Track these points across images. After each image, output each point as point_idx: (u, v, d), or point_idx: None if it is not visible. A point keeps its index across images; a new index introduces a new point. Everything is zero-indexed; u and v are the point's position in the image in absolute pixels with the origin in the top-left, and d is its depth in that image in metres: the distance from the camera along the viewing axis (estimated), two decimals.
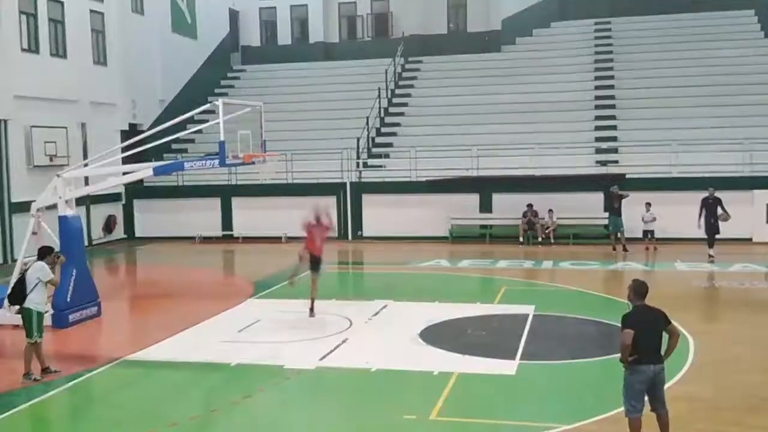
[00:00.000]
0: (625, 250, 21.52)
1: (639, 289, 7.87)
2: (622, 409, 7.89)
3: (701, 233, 20.20)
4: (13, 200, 21.91)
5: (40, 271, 10.98)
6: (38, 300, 10.95)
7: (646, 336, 7.61)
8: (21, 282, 11.13)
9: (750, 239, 22.60)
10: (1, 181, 21.94)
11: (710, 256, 19.76)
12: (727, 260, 19.56)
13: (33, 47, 23.19)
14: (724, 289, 16.84)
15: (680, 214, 21.74)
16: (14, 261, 17.46)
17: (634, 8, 33.56)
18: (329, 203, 15.10)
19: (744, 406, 9.23)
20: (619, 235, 21.83)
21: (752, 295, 16.19)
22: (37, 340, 10.88)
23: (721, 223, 19.97)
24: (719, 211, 19.93)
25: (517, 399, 9.90)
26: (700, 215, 20.02)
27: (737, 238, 21.76)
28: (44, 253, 11.34)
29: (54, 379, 10.84)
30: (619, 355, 7.78)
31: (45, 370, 10.98)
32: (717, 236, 20.06)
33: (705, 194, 20.21)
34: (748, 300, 15.73)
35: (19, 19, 22.55)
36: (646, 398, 7.74)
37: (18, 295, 11.07)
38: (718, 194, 20.15)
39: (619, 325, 7.79)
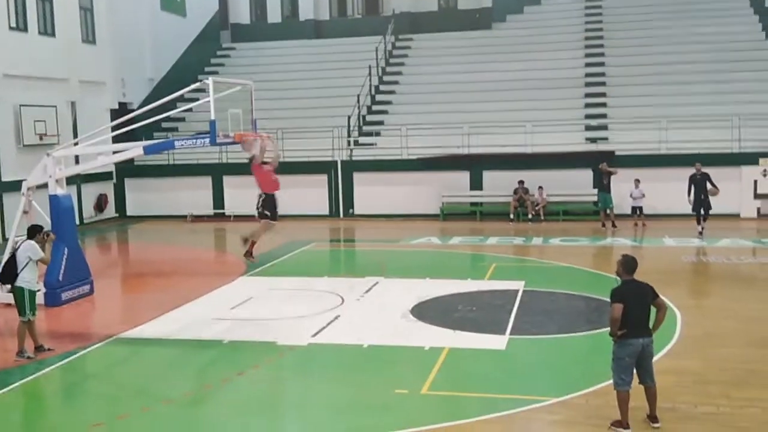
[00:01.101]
0: (614, 226, 21.67)
1: (628, 264, 7.97)
2: (610, 382, 8.02)
3: (689, 209, 20.31)
4: (3, 179, 21.85)
5: (30, 250, 11.01)
6: (29, 278, 10.99)
7: (634, 310, 7.73)
8: (12, 261, 11.15)
9: (738, 215, 22.79)
10: None
11: (700, 232, 19.86)
12: (715, 236, 19.73)
13: (21, 25, 23.00)
14: (711, 264, 17.01)
15: (669, 191, 21.90)
16: (5, 240, 17.43)
17: None
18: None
19: (731, 379, 9.37)
20: (608, 211, 21.98)
21: (740, 270, 16.37)
22: (30, 318, 10.93)
23: (711, 198, 20.06)
24: (708, 186, 20.04)
25: (507, 373, 10.02)
26: (689, 192, 20.14)
27: (725, 214, 21.94)
28: (34, 231, 11.36)
29: (47, 357, 10.90)
30: (608, 329, 7.90)
31: (38, 348, 11.05)
32: (710, 211, 20.14)
33: (692, 171, 20.32)
34: (736, 275, 15.92)
35: None
36: (634, 371, 7.87)
37: (9, 274, 11.10)
38: (706, 170, 20.25)
39: (608, 299, 7.91)
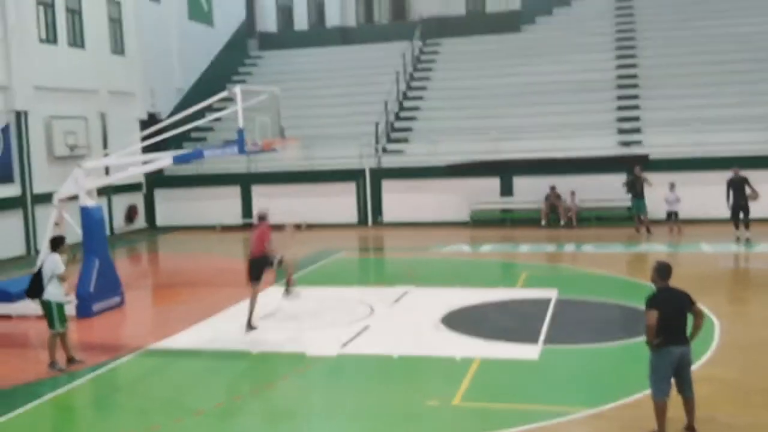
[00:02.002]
0: (648, 231, 21.28)
1: (663, 271, 7.77)
2: (644, 393, 7.83)
3: (726, 214, 19.85)
4: (35, 191, 22.08)
5: (53, 264, 11.03)
6: (55, 292, 11.01)
7: (670, 317, 7.53)
8: (38, 274, 11.20)
9: None
10: (23, 173, 22.11)
11: (739, 238, 19.30)
12: (754, 241, 19.27)
13: (51, 38, 23.31)
14: (750, 270, 16.61)
15: (705, 195, 21.45)
16: (37, 252, 17.60)
17: None
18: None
19: None
20: (642, 216, 21.60)
21: None
22: (60, 330, 10.97)
23: (750, 203, 19.54)
24: (747, 190, 19.53)
25: (540, 383, 9.82)
26: (728, 197, 19.63)
27: (763, 218, 21.40)
28: (57, 243, 11.36)
29: (78, 369, 10.93)
30: (644, 337, 7.70)
31: (70, 360, 11.08)
32: (750, 216, 19.62)
33: (730, 174, 19.84)
34: None
35: (36, 10, 22.68)
36: (672, 381, 7.64)
37: (36, 288, 11.14)
38: (743, 173, 19.78)
39: (643, 308, 7.70)
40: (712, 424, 7.95)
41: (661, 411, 7.62)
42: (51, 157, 22.74)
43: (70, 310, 13.18)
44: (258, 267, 12.58)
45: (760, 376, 9.57)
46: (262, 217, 12.93)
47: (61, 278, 11.12)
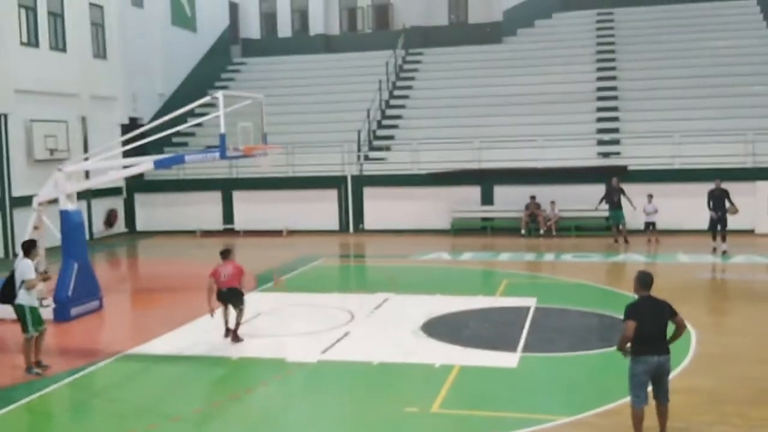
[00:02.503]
0: (626, 242, 21.49)
1: (644, 280, 7.84)
2: (624, 400, 7.89)
3: (703, 225, 20.06)
4: (14, 194, 21.90)
5: (23, 270, 10.88)
6: (27, 296, 10.88)
7: (650, 326, 7.60)
8: (11, 279, 11.10)
9: (752, 231, 22.54)
10: (2, 176, 21.93)
11: (724, 251, 19.33)
12: (730, 252, 19.49)
13: (32, 41, 23.15)
14: (726, 281, 16.81)
15: (682, 206, 21.72)
16: (15, 255, 17.43)
17: None
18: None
19: (747, 398, 9.20)
20: (620, 227, 21.80)
21: (755, 287, 16.18)
22: (33, 334, 10.86)
23: (729, 216, 19.71)
24: (727, 204, 19.71)
25: (518, 391, 9.88)
26: (709, 207, 19.77)
27: (740, 230, 21.69)
28: (28, 247, 11.21)
29: (56, 372, 10.84)
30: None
31: (36, 364, 10.93)
32: (726, 228, 19.75)
33: (711, 186, 20.05)
34: (751, 292, 15.70)
35: (18, 13, 22.51)
36: (649, 389, 7.72)
37: (8, 293, 11.04)
38: (724, 186, 19.97)
39: (621, 317, 7.78)
40: None
41: (637, 419, 7.69)
42: (31, 160, 22.56)
43: (48, 314, 13.09)
44: (233, 296, 12.35)
45: (735, 386, 9.68)
46: (228, 252, 12.76)
47: (30, 285, 10.83)
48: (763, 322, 12.85)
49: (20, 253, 11.26)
